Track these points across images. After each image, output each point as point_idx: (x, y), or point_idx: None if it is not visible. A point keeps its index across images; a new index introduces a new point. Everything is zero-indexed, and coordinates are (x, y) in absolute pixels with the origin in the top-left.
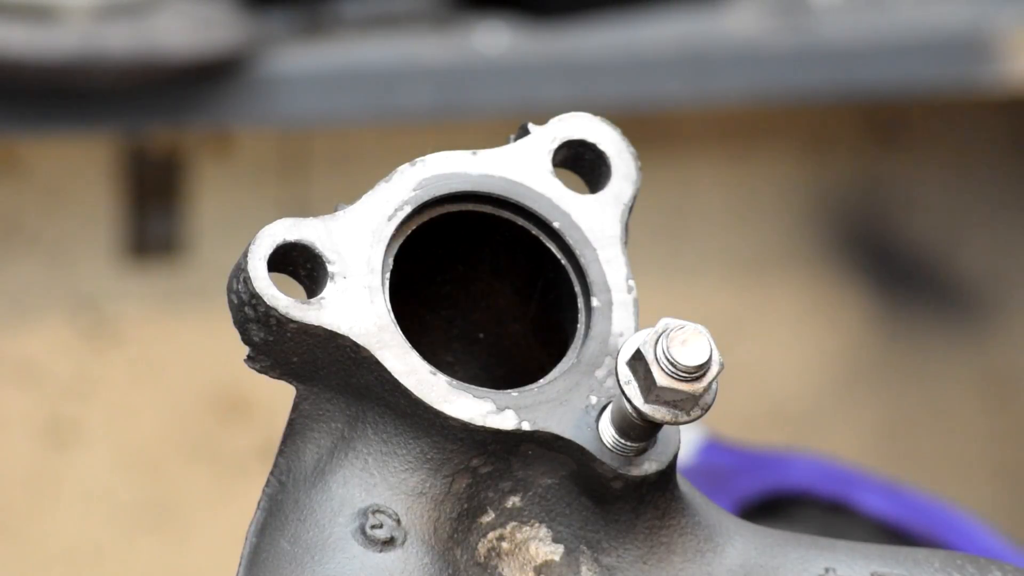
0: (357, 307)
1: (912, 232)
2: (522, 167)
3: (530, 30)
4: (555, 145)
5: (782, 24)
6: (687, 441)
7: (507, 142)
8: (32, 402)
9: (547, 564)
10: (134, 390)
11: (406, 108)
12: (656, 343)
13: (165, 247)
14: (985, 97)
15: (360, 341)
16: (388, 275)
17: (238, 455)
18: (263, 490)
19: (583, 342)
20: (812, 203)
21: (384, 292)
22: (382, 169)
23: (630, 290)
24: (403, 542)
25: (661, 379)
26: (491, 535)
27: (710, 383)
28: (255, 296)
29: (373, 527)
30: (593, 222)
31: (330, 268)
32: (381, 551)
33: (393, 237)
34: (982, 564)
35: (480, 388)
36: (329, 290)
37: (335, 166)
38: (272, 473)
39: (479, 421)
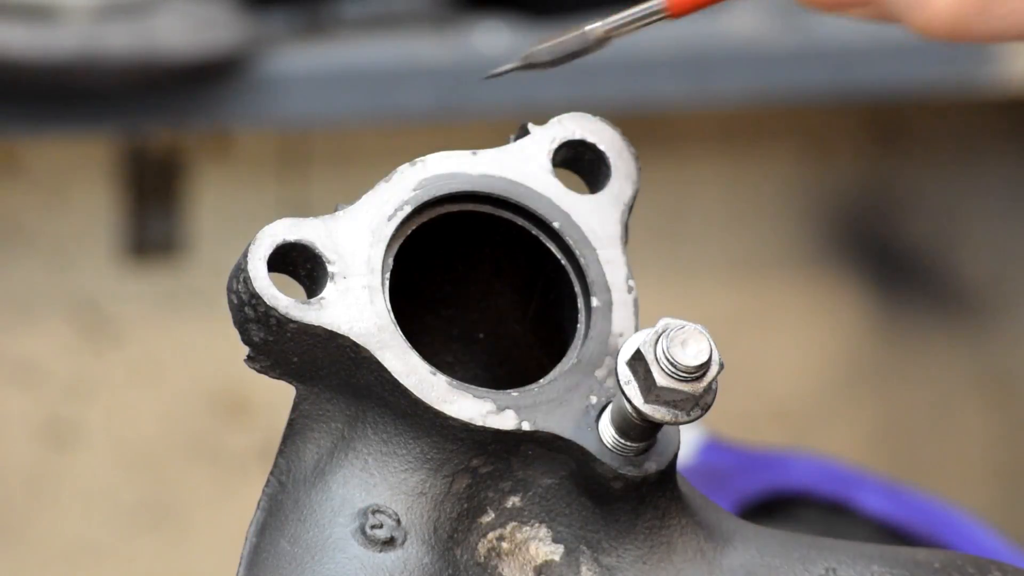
0: (357, 307)
1: (912, 232)
2: (522, 167)
3: (530, 30)
4: (555, 145)
5: (782, 24)
6: (687, 441)
7: (507, 142)
8: (32, 402)
9: (547, 564)
10: (134, 390)
11: (406, 108)
12: (656, 343)
13: (165, 247)
14: (985, 97)
15: (360, 341)
16: (388, 275)
17: (238, 455)
18: (263, 490)
19: (583, 342)
20: (812, 203)
21: (384, 292)
22: (382, 169)
23: (630, 290)
24: (403, 542)
25: (661, 379)
26: (491, 535)
27: (710, 383)
28: (255, 296)
29: (373, 527)
30: (593, 222)
31: (330, 268)
32: (381, 551)
33: (393, 237)
34: (982, 564)
35: (480, 388)
36: (329, 290)
37: (335, 166)
38: (272, 473)
39: (479, 421)
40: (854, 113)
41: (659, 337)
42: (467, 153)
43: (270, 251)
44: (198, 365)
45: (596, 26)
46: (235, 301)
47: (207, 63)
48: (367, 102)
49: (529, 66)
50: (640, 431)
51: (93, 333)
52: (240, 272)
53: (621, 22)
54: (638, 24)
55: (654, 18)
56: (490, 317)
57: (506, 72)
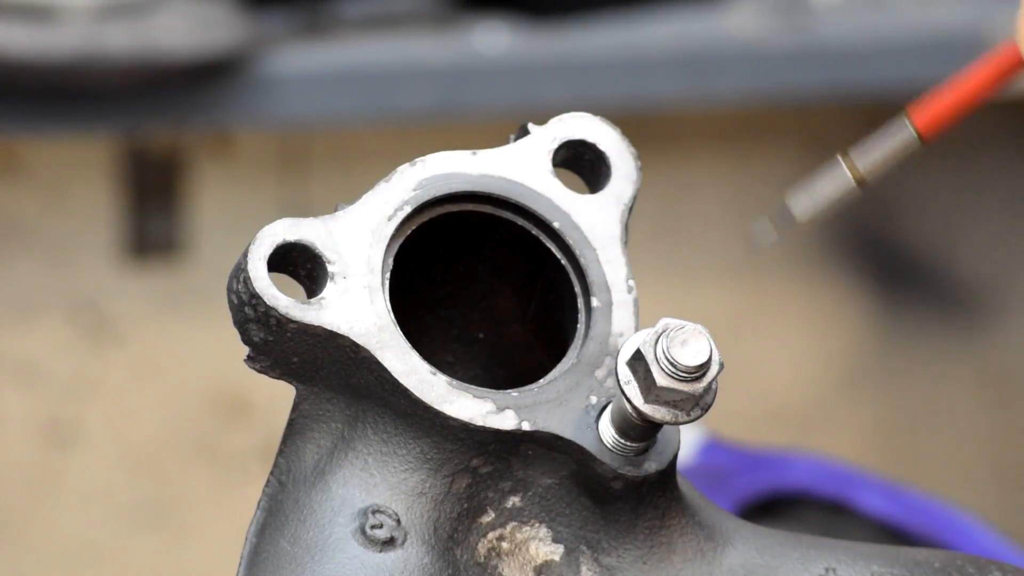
0: (357, 307)
1: (912, 232)
2: (522, 167)
3: (530, 30)
4: (555, 145)
5: (782, 24)
6: (687, 441)
7: (507, 142)
8: (32, 402)
9: (547, 564)
10: (134, 390)
11: (406, 108)
12: (656, 343)
13: (165, 247)
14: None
15: (360, 341)
16: (388, 275)
17: (238, 455)
18: (263, 490)
19: (583, 342)
20: None
21: (384, 292)
22: (382, 169)
23: (630, 290)
24: (403, 542)
25: (661, 379)
26: (491, 535)
27: (710, 383)
28: (255, 296)
29: (373, 527)
30: (593, 222)
31: (330, 268)
32: (381, 551)
33: (393, 237)
34: (982, 564)
35: (480, 388)
36: (329, 290)
37: (335, 166)
38: (272, 473)
39: (479, 421)
40: (854, 113)
41: (659, 337)
42: (467, 153)
43: (270, 251)
44: (198, 365)
45: (848, 170)
46: (235, 301)
47: (207, 63)
48: (367, 102)
49: (791, 224)
50: (640, 431)
51: (93, 333)
52: (240, 272)
53: (876, 159)
54: (894, 158)
55: (908, 148)
56: (490, 317)
57: (772, 242)
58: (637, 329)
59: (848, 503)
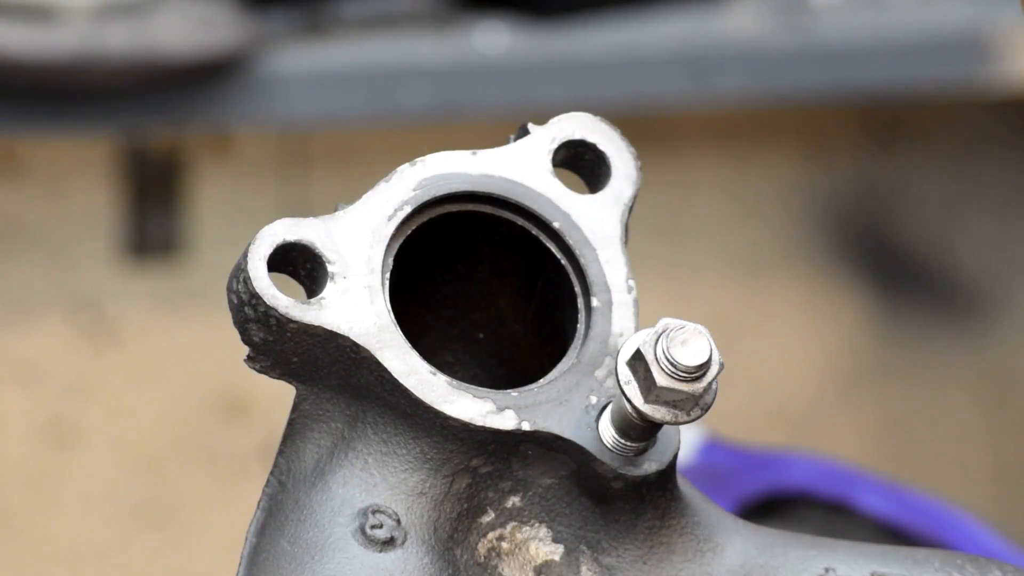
0: (357, 307)
1: (912, 232)
2: (522, 167)
3: (530, 30)
4: (555, 145)
5: (782, 24)
6: (687, 441)
7: (507, 142)
8: (32, 402)
9: (547, 564)
10: (134, 390)
11: (406, 108)
12: (656, 343)
13: (165, 247)
14: (985, 97)
15: (360, 341)
16: (388, 275)
17: (238, 455)
18: (263, 490)
19: (583, 342)
20: (812, 203)
21: (384, 292)
22: (382, 169)
23: (630, 290)
24: (403, 542)
25: (661, 379)
26: (491, 535)
27: (710, 383)
28: (255, 296)
29: (373, 527)
30: (593, 222)
31: (330, 268)
32: (381, 551)
33: (393, 237)
34: (982, 564)
35: (480, 388)
36: (329, 290)
37: (335, 166)
38: (272, 473)
39: (479, 421)
40: (854, 113)
41: (659, 337)
42: (467, 153)
43: (270, 251)
44: (198, 365)
45: None
46: (235, 301)
47: (207, 63)
48: (367, 102)
49: None
50: (640, 431)
51: (93, 333)
52: (240, 272)
53: None
54: None
55: None
56: (490, 317)
57: None
58: (637, 329)
59: (848, 503)
